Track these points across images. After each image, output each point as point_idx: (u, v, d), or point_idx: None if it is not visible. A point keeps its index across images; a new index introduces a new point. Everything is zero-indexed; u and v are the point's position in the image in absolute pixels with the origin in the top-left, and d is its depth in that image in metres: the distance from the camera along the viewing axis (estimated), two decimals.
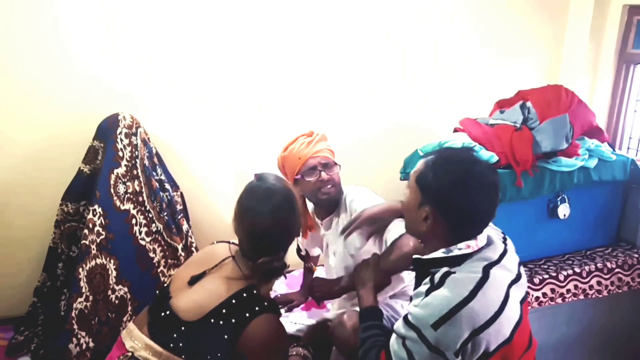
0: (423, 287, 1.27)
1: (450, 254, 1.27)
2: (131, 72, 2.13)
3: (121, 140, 1.99)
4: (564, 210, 2.19)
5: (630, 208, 2.33)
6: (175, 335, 1.36)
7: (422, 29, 2.60)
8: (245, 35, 2.28)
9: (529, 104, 2.25)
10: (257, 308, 1.34)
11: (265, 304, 1.38)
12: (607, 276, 2.22)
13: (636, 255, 2.27)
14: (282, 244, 1.47)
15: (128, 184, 1.99)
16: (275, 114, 2.43)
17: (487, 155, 2.08)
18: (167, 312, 1.42)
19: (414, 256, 1.36)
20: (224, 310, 1.34)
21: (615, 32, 2.77)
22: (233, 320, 1.33)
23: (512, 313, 1.23)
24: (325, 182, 1.84)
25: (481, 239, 1.30)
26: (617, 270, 2.23)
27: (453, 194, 1.26)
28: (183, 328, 1.36)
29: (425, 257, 1.32)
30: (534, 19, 2.85)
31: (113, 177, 1.95)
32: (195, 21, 2.19)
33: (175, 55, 2.19)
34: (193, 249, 2.16)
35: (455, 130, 2.37)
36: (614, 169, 2.23)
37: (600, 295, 2.22)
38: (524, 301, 1.31)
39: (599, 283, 2.21)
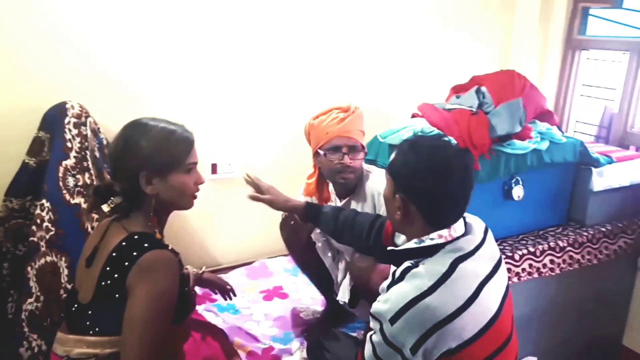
0: (385, 283, 1.26)
1: (422, 244, 1.25)
2: (76, 58, 2.02)
3: (70, 130, 1.89)
4: (518, 192, 2.25)
5: (579, 189, 2.41)
6: (88, 322, 1.24)
7: (374, 17, 2.61)
8: (205, 19, 2.21)
9: (483, 88, 2.28)
10: (134, 253, 1.19)
11: (146, 245, 1.22)
12: (559, 254, 2.30)
13: (585, 234, 2.36)
14: (125, 165, 1.30)
15: (78, 176, 1.89)
16: (235, 99, 2.38)
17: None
18: (76, 306, 1.30)
19: (388, 248, 1.34)
20: (107, 269, 1.21)
21: (562, 19, 2.86)
22: (116, 276, 1.20)
23: (482, 311, 1.19)
24: (346, 167, 1.79)
25: (457, 229, 1.27)
26: (568, 248, 2.31)
27: (418, 178, 1.25)
28: (90, 312, 1.24)
29: (398, 248, 1.30)
30: (484, 6, 2.91)
31: (62, 169, 1.85)
32: (145, 3, 2.10)
33: (123, 42, 2.09)
34: None
35: (414, 116, 2.38)
36: (565, 151, 2.30)
37: (554, 273, 2.29)
38: (506, 297, 1.27)
39: (552, 261, 2.28)
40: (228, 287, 1.82)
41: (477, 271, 1.23)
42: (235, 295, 1.83)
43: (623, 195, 2.47)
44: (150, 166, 1.28)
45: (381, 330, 1.21)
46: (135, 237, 1.24)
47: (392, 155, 1.34)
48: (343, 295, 1.87)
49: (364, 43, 2.61)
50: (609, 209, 2.47)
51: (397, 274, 1.24)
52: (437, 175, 1.24)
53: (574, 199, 2.46)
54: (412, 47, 2.75)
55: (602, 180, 2.36)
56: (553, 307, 2.34)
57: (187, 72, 2.24)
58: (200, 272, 1.75)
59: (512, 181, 2.24)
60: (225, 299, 1.83)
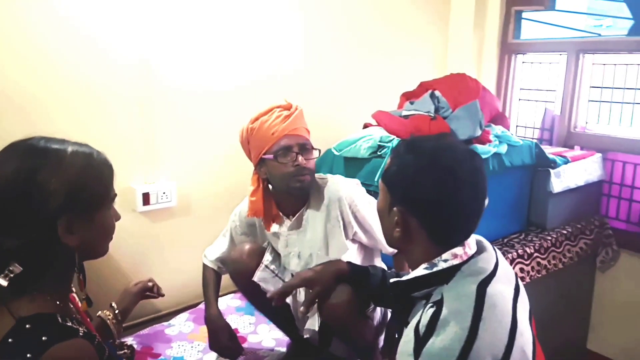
0: (406, 347, 0.97)
1: (435, 269, 1.02)
2: None
3: None
4: None
5: (538, 191, 2.34)
6: None
7: (314, 30, 2.43)
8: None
9: (437, 93, 2.16)
10: (28, 355, 0.83)
11: (44, 338, 0.85)
12: (527, 262, 2.20)
13: (549, 238, 2.28)
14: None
15: None
16: (167, 116, 2.07)
17: None
18: None
19: (392, 280, 1.10)
20: None
21: (496, 24, 2.84)
22: None
23: (526, 340, 0.97)
24: (301, 168, 1.55)
25: (470, 245, 1.06)
26: (535, 254, 2.22)
27: (419, 186, 1.03)
28: None
29: (405, 278, 1.06)
30: (418, 13, 2.83)
31: None
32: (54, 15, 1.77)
33: (26, 56, 1.74)
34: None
35: (366, 126, 2.21)
36: (522, 154, 2.22)
37: (524, 282, 2.18)
38: (531, 318, 1.06)
39: (522, 270, 2.17)
40: (149, 284, 1.52)
41: (504, 294, 1.01)
42: (160, 289, 1.54)
43: (578, 195, 2.44)
44: (73, 207, 0.92)
45: None
46: (27, 326, 0.86)
47: (387, 161, 1.12)
48: (313, 323, 1.61)
49: (307, 56, 2.42)
50: (567, 210, 2.42)
51: (423, 329, 0.95)
52: (442, 183, 1.01)
53: (532, 203, 2.38)
54: (351, 57, 2.59)
55: (560, 181, 2.31)
56: None
57: (108, 85, 1.90)
58: (116, 311, 1.41)
59: None
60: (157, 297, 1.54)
